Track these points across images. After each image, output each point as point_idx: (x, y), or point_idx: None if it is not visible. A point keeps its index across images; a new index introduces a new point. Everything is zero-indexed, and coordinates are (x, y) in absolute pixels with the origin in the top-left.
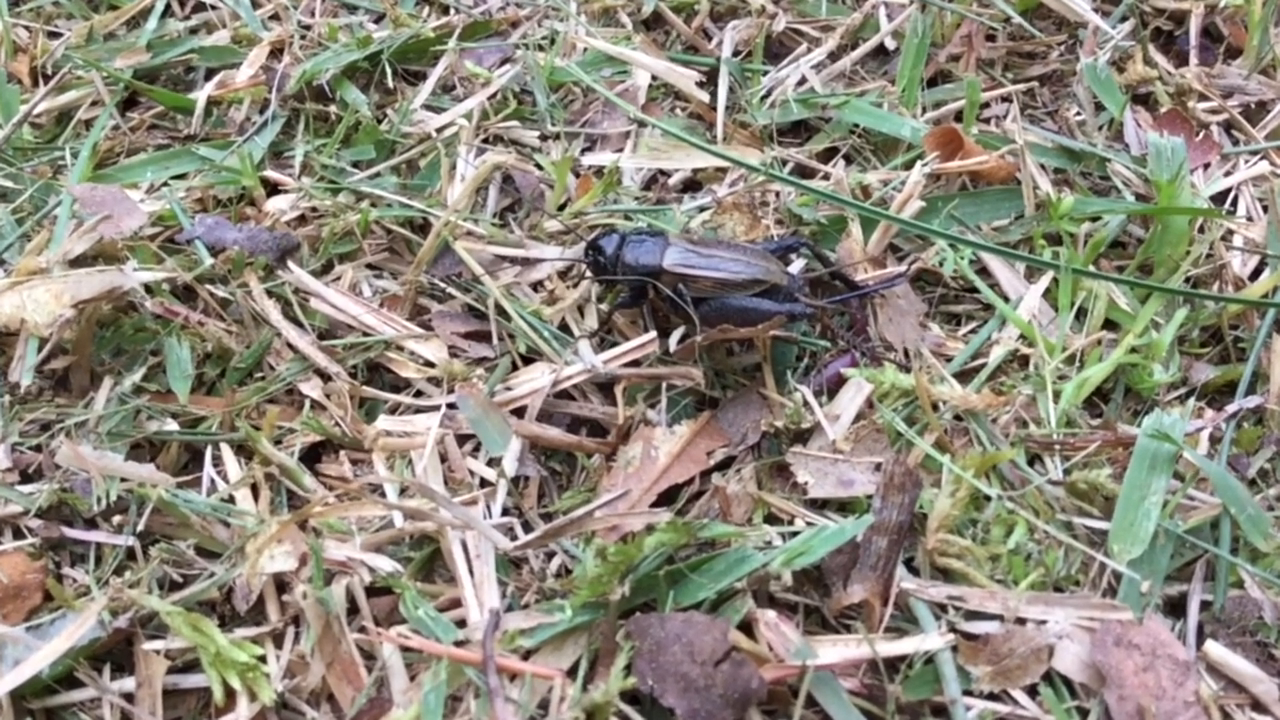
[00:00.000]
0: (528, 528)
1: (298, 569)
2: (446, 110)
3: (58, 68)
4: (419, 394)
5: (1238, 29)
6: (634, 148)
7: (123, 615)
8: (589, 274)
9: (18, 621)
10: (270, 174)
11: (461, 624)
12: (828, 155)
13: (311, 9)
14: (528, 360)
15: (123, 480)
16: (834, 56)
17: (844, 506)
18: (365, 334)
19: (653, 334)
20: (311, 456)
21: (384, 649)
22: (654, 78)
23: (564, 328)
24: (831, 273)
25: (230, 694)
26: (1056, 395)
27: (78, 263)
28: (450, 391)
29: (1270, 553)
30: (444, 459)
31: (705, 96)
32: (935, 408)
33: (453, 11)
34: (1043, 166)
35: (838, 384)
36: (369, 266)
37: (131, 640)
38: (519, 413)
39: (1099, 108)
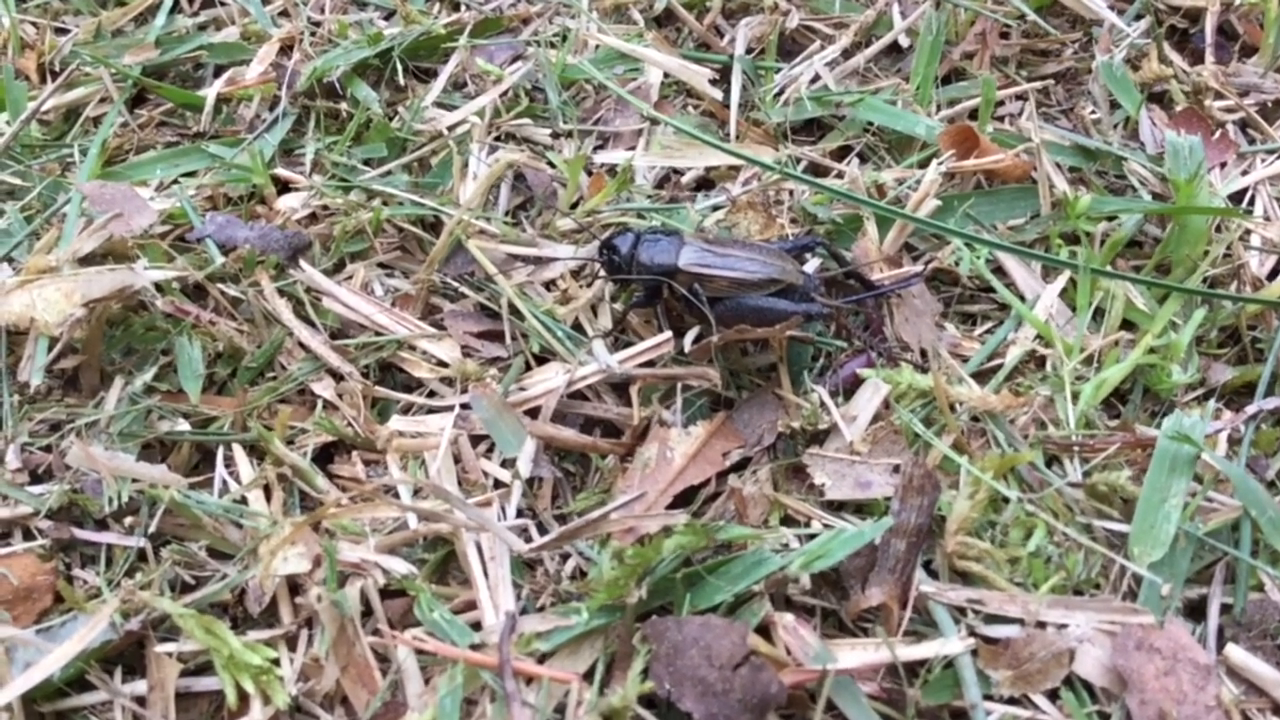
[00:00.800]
0: (542, 529)
1: (311, 571)
2: (458, 108)
3: (65, 64)
4: (432, 394)
5: (1253, 27)
6: (646, 146)
7: (134, 617)
8: (603, 273)
9: (28, 624)
10: (281, 172)
11: (477, 627)
12: (842, 153)
13: (321, 5)
14: (541, 360)
15: (134, 481)
16: (847, 54)
17: (861, 508)
18: (378, 333)
19: (668, 334)
20: (324, 457)
21: (399, 652)
22: (666, 75)
23: (578, 327)
24: (847, 272)
25: (244, 697)
26: (1075, 396)
27: (87, 261)
28: (463, 392)
29: None
30: (458, 460)
31: (718, 94)
32: (953, 408)
33: (464, 8)
34: (1058, 165)
35: (854, 384)
36: (381, 265)
37: (143, 643)
38: (533, 413)
39: (1114, 106)
